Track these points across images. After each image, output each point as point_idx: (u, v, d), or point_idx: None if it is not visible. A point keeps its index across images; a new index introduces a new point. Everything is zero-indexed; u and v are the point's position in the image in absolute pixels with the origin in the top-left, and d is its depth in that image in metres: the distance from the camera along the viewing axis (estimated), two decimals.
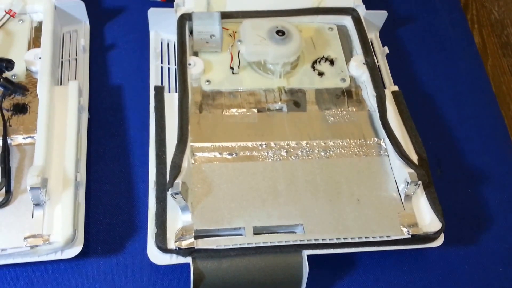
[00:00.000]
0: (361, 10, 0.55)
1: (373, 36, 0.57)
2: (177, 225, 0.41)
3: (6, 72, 0.45)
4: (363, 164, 0.46)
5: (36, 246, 0.39)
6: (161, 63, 0.52)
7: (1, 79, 0.44)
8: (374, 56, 0.52)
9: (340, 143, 0.47)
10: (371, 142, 0.48)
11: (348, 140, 0.47)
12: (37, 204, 0.41)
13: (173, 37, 0.53)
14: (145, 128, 0.48)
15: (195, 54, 0.51)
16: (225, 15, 0.52)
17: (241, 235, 0.41)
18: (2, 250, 0.39)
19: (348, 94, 0.51)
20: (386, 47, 0.55)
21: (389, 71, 0.54)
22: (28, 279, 0.42)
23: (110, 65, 0.54)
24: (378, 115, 0.48)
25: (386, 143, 0.47)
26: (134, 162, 0.48)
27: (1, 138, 0.43)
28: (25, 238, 0.39)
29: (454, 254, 0.47)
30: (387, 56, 0.55)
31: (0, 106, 0.44)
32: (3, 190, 0.41)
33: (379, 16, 0.56)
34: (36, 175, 0.39)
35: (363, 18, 0.54)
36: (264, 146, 0.46)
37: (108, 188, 0.46)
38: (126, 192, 0.46)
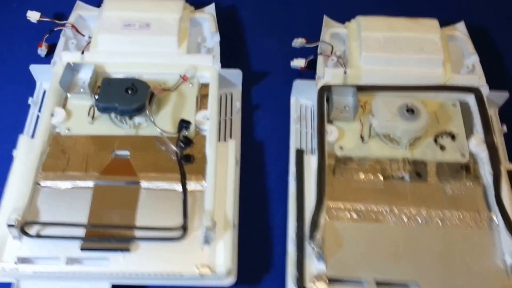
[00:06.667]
0: (485, 90, 0.59)
1: (492, 112, 0.61)
2: (312, 271, 0.50)
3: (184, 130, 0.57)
4: (476, 236, 0.52)
5: (205, 274, 0.50)
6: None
7: (183, 137, 0.56)
8: (494, 135, 0.57)
9: (456, 215, 0.53)
10: (484, 216, 0.53)
11: (464, 212, 0.53)
12: (206, 242, 0.52)
13: (308, 102, 0.62)
14: (283, 180, 0.58)
15: (329, 121, 0.59)
16: (358, 88, 0.59)
17: (364, 285, 0.50)
18: (181, 275, 0.51)
19: (466, 169, 0.56)
20: (504, 126, 0.59)
21: (505, 149, 0.58)
22: None
23: (255, 125, 0.64)
24: (493, 192, 0.53)
25: (498, 219, 0.52)
26: (273, 210, 0.58)
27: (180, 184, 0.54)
28: (197, 267, 0.50)
29: None
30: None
31: (180, 160, 0.55)
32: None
33: (501, 96, 0.60)
34: (210, 219, 0.51)
35: (486, 97, 0.59)
36: (388, 210, 0.53)
37: (252, 229, 0.56)
38: (266, 234, 0.56)
